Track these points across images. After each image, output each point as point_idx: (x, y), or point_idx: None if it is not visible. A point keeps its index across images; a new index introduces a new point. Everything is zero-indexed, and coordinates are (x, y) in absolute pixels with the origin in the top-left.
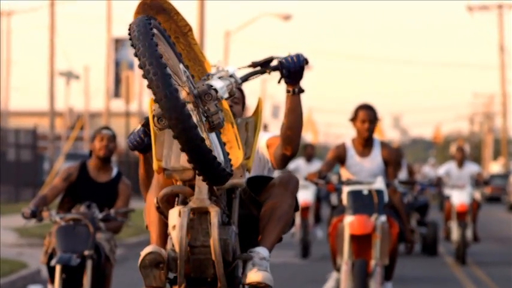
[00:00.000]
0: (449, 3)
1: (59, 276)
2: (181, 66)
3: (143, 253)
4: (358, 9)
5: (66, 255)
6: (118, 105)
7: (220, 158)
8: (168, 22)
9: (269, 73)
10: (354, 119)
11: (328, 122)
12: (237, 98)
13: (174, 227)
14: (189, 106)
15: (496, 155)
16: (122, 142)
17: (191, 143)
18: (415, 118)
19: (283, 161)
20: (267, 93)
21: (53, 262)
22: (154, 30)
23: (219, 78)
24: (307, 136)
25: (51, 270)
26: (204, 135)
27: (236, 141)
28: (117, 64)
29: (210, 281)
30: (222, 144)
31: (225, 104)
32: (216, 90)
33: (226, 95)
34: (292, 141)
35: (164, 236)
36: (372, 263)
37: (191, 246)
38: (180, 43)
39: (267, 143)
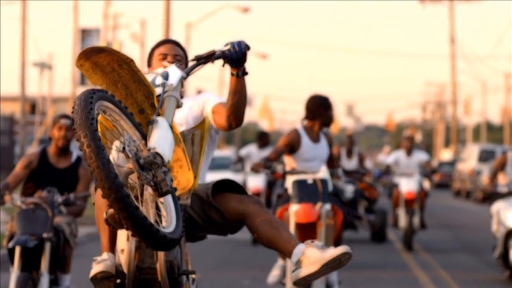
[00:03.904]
0: None
1: (18, 258)
2: (128, 135)
3: (95, 270)
4: (313, 1)
5: (23, 237)
6: None
7: (172, 221)
8: (110, 56)
9: (213, 62)
10: (325, 110)
11: (283, 109)
12: (180, 56)
13: (122, 251)
14: (134, 176)
15: (448, 142)
16: None
17: (133, 222)
18: (368, 106)
19: (227, 129)
20: (225, 79)
21: (10, 244)
22: (103, 104)
23: (165, 93)
24: (263, 123)
25: (12, 254)
26: (155, 200)
27: (185, 159)
28: None
29: None
30: (178, 207)
31: (175, 128)
32: (161, 157)
33: (171, 158)
34: (237, 117)
35: (114, 241)
36: None
37: (139, 268)
38: (123, 69)
39: (212, 109)
